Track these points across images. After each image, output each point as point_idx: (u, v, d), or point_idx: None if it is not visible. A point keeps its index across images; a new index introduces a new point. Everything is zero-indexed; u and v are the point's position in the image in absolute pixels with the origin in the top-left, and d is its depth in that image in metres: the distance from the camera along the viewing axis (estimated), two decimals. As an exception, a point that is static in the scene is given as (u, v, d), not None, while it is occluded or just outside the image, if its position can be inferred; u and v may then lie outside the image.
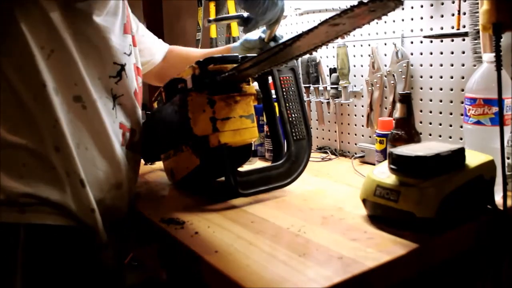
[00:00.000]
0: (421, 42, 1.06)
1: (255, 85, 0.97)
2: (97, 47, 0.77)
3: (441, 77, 1.03)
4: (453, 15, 0.98)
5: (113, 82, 0.81)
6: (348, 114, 1.28)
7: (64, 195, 0.70)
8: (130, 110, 0.87)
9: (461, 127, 0.99)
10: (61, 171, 0.70)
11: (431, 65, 1.05)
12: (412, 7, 1.07)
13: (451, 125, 1.03)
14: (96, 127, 0.76)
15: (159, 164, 1.13)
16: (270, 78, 0.96)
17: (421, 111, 1.08)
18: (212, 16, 1.65)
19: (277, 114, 0.97)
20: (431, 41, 1.04)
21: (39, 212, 0.68)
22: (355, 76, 1.24)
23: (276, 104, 0.97)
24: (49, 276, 0.69)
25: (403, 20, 1.09)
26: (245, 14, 0.99)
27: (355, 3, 0.59)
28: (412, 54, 1.09)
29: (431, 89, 1.06)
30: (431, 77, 1.05)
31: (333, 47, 1.25)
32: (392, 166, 0.71)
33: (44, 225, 0.68)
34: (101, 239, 0.76)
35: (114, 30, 0.80)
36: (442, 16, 1.01)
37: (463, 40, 0.97)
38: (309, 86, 1.31)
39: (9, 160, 0.68)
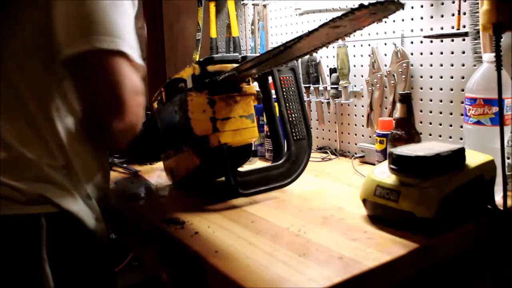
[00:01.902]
0: (421, 42, 1.06)
1: (255, 85, 0.97)
2: None
3: (441, 77, 1.03)
4: (453, 15, 0.98)
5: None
6: (348, 114, 1.28)
7: (77, 206, 0.70)
8: None
9: (461, 127, 0.99)
10: (68, 186, 0.70)
11: (431, 65, 1.05)
12: (412, 7, 1.07)
13: (451, 125, 1.03)
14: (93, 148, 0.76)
15: (159, 164, 1.13)
16: (270, 78, 0.96)
17: (421, 111, 1.08)
18: (212, 16, 1.65)
19: (277, 114, 0.97)
20: (431, 41, 1.04)
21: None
22: (355, 76, 1.24)
23: (276, 104, 0.97)
24: (70, 266, 0.70)
25: (403, 20, 1.09)
26: None
27: (356, 4, 0.59)
28: (412, 54, 1.09)
29: (431, 89, 1.06)
30: (431, 77, 1.05)
31: (333, 47, 1.25)
32: (392, 166, 0.71)
33: (63, 215, 0.69)
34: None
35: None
36: (442, 16, 1.01)
37: (463, 40, 0.97)
38: (309, 86, 1.31)
39: (23, 171, 0.67)
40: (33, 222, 0.66)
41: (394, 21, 1.11)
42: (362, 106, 1.23)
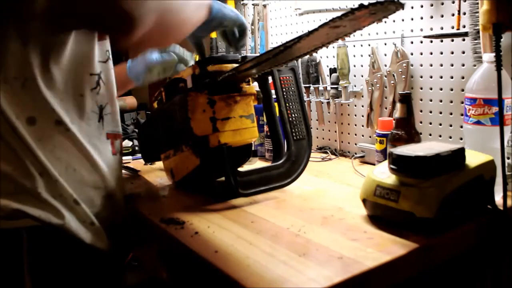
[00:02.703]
0: (421, 42, 1.06)
1: (255, 85, 0.97)
2: (72, 69, 0.74)
3: (441, 77, 1.03)
4: (453, 15, 0.98)
5: (95, 93, 0.78)
6: (348, 114, 1.28)
7: (59, 217, 0.69)
8: (116, 115, 0.84)
9: (461, 127, 0.99)
10: (47, 196, 0.68)
11: (431, 65, 1.05)
12: (412, 7, 1.07)
13: (451, 125, 1.03)
14: (82, 147, 0.74)
15: (159, 164, 1.13)
16: (270, 78, 0.96)
17: (421, 111, 1.08)
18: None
19: (277, 114, 0.97)
20: (431, 41, 1.04)
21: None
22: (355, 76, 1.24)
23: (276, 104, 0.97)
24: (53, 280, 0.69)
25: (403, 20, 1.09)
26: None
27: (356, 4, 0.59)
28: (412, 54, 1.09)
29: (431, 89, 1.06)
30: (431, 77, 1.05)
31: (333, 47, 1.25)
32: (392, 166, 0.71)
33: (45, 228, 0.68)
34: (103, 247, 0.75)
35: (89, 44, 0.77)
36: (442, 16, 1.01)
37: (463, 40, 0.97)
38: (309, 86, 1.31)
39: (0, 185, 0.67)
40: (14, 236, 0.65)
41: (394, 21, 1.11)
42: (362, 106, 1.23)
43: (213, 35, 1.67)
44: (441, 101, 1.04)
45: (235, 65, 0.88)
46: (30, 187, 0.67)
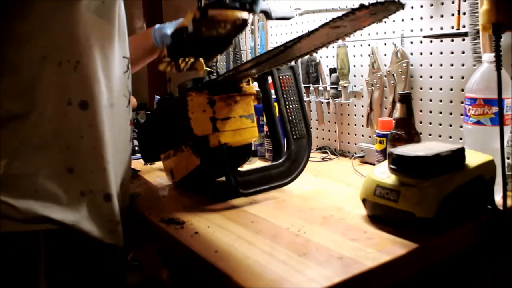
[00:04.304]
0: (421, 42, 1.06)
1: (254, 85, 0.97)
2: (117, 51, 0.73)
3: (441, 77, 1.03)
4: (453, 15, 0.98)
5: (127, 77, 0.78)
6: (348, 114, 1.28)
7: (79, 216, 0.68)
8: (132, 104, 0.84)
9: (461, 127, 0.99)
10: (74, 193, 0.67)
11: (431, 65, 1.05)
12: (412, 7, 1.07)
13: (451, 125, 1.03)
14: (122, 131, 0.74)
15: (159, 164, 1.13)
16: (269, 78, 0.96)
17: (421, 111, 1.08)
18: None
19: (277, 114, 0.97)
20: (431, 41, 1.04)
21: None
22: (355, 76, 1.24)
23: (275, 103, 0.97)
24: (68, 283, 0.68)
25: (403, 20, 1.09)
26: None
27: (356, 4, 0.59)
28: (412, 54, 1.09)
29: (431, 89, 1.06)
30: (431, 77, 1.05)
31: (333, 47, 1.25)
32: (392, 166, 0.70)
33: (62, 230, 0.67)
34: (119, 243, 0.74)
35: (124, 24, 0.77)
36: (442, 16, 1.01)
37: (463, 40, 0.97)
38: (309, 86, 1.31)
39: (20, 187, 0.65)
40: (32, 239, 0.64)
41: (394, 21, 1.11)
42: (362, 106, 1.23)
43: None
44: (441, 101, 1.04)
45: (237, 11, 0.83)
46: (54, 190, 0.65)
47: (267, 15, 0.93)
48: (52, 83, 0.65)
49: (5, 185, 0.64)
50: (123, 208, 0.76)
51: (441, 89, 1.04)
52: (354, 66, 1.23)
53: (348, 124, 1.28)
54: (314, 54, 1.27)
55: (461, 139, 1.00)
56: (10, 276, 0.64)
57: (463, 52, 0.98)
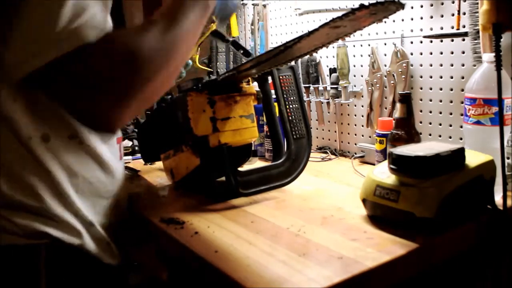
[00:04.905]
0: (421, 42, 1.06)
1: (254, 85, 0.97)
2: None
3: (441, 77, 1.03)
4: (453, 15, 0.98)
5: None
6: (348, 114, 1.28)
7: (79, 237, 0.67)
8: None
9: (461, 127, 0.99)
10: (65, 216, 0.66)
11: (431, 65, 1.05)
12: (412, 7, 1.07)
13: (451, 125, 1.03)
14: (96, 156, 0.71)
15: (159, 164, 1.13)
16: (269, 78, 0.96)
17: (421, 111, 1.08)
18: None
19: (277, 114, 0.97)
20: (431, 41, 1.04)
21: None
22: (355, 76, 1.24)
23: (275, 103, 0.97)
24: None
25: (403, 20, 1.09)
26: None
27: (356, 4, 0.59)
28: (412, 54, 1.09)
29: (431, 89, 1.06)
30: (431, 77, 1.05)
31: (333, 47, 1.25)
32: (392, 166, 0.71)
33: (63, 245, 0.66)
34: (116, 263, 0.73)
35: None
36: (442, 16, 1.01)
37: (463, 40, 0.97)
38: (309, 86, 1.31)
39: (22, 203, 0.64)
40: (33, 252, 0.63)
41: (394, 21, 1.11)
42: (362, 106, 1.23)
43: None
44: (441, 101, 1.04)
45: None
46: (48, 207, 0.64)
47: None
48: None
49: (7, 201, 0.63)
50: (112, 225, 0.76)
51: (441, 89, 1.04)
52: (354, 66, 1.23)
53: (348, 124, 1.28)
54: (314, 54, 1.27)
55: (461, 139, 1.00)
56: None
57: (463, 52, 0.98)
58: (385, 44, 1.14)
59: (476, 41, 0.90)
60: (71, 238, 0.66)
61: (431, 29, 1.04)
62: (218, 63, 1.71)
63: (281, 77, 0.94)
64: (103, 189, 0.73)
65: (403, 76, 1.09)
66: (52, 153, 0.65)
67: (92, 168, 0.70)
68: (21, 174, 0.64)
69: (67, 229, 0.66)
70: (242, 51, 1.03)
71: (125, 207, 0.82)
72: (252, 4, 1.53)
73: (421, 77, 1.07)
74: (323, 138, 1.37)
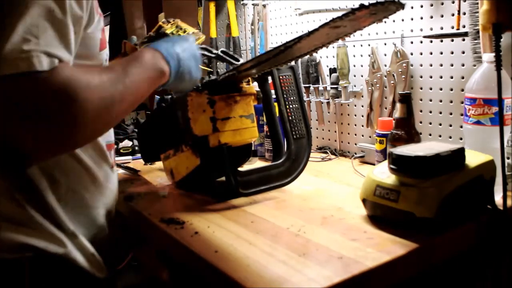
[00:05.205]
0: (421, 42, 1.06)
1: (254, 85, 0.97)
2: None
3: (441, 77, 1.03)
4: (453, 15, 0.98)
5: None
6: (348, 114, 1.28)
7: (62, 246, 0.67)
8: None
9: (461, 127, 0.99)
10: (48, 226, 0.65)
11: (431, 65, 1.05)
12: (412, 7, 1.07)
13: (451, 125, 1.03)
14: (83, 164, 0.70)
15: (159, 164, 1.13)
16: (269, 78, 0.96)
17: (421, 111, 1.08)
18: (212, 16, 1.65)
19: (277, 114, 0.97)
20: (431, 41, 1.04)
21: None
22: (355, 76, 1.24)
23: (275, 103, 0.97)
24: None
25: (403, 20, 1.09)
26: None
27: (356, 4, 0.59)
28: (412, 54, 1.09)
29: (431, 89, 1.06)
30: (431, 77, 1.05)
31: (333, 47, 1.25)
32: (392, 166, 0.70)
33: (47, 257, 0.65)
34: (102, 276, 0.73)
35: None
36: (442, 16, 1.01)
37: (463, 40, 0.97)
38: (309, 86, 1.31)
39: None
40: (17, 266, 0.63)
41: (394, 21, 1.11)
42: (362, 106, 1.23)
43: (213, 35, 1.68)
44: (441, 101, 1.04)
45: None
46: (30, 216, 0.64)
47: None
48: None
49: None
50: (100, 236, 0.75)
51: (441, 89, 1.04)
52: (354, 66, 1.23)
53: (348, 124, 1.28)
54: (314, 54, 1.27)
55: (461, 139, 1.00)
56: None
57: (463, 52, 0.98)
58: (385, 44, 1.14)
59: (476, 41, 0.90)
60: (54, 247, 0.65)
61: (431, 29, 1.04)
62: (218, 63, 1.71)
63: (281, 77, 0.94)
64: (90, 198, 0.71)
65: (403, 76, 1.09)
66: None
67: (76, 176, 0.69)
68: (2, 183, 0.62)
69: (51, 239, 0.65)
70: (229, 61, 1.01)
71: (114, 215, 0.81)
72: (252, 4, 1.53)
73: (421, 77, 1.07)
74: (323, 138, 1.37)
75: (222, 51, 1.00)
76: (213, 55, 0.97)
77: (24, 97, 0.52)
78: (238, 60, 1.01)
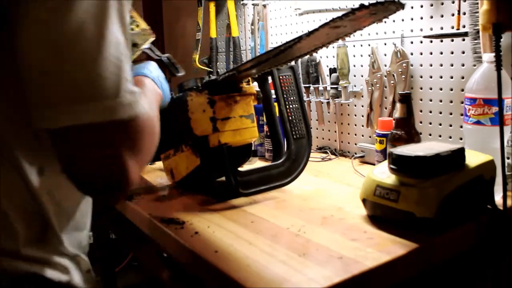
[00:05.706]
0: (421, 42, 1.06)
1: (254, 85, 0.97)
2: None
3: (441, 77, 1.03)
4: (453, 15, 0.98)
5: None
6: (348, 114, 1.28)
7: (66, 273, 0.65)
8: None
9: (461, 127, 0.99)
10: (55, 252, 0.63)
11: (431, 65, 1.05)
12: (412, 7, 1.07)
13: (451, 125, 1.03)
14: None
15: (159, 164, 1.13)
16: (269, 78, 0.96)
17: (421, 111, 1.08)
18: (212, 16, 1.65)
19: (277, 114, 0.97)
20: (431, 41, 1.04)
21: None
22: (355, 76, 1.24)
23: (275, 103, 0.97)
24: None
25: (403, 20, 1.09)
26: None
27: (356, 4, 0.59)
28: (412, 54, 1.09)
29: (431, 89, 1.06)
30: (431, 77, 1.05)
31: (333, 47, 1.25)
32: (392, 166, 0.71)
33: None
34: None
35: None
36: (442, 16, 1.01)
37: (463, 40, 0.97)
38: (309, 86, 1.31)
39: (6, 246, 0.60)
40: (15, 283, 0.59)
41: (394, 21, 1.11)
42: (362, 106, 1.23)
43: (213, 35, 1.68)
44: (441, 101, 1.04)
45: None
46: (40, 246, 0.62)
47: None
48: None
49: None
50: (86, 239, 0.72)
51: (441, 89, 1.04)
52: (354, 66, 1.23)
53: (348, 124, 1.28)
54: (314, 54, 1.27)
55: (461, 139, 1.00)
56: None
57: (463, 52, 0.98)
58: (385, 44, 1.14)
59: (476, 41, 0.90)
60: (61, 276, 0.63)
61: (431, 29, 1.04)
62: (218, 63, 1.71)
63: (281, 77, 0.94)
64: (81, 220, 0.70)
65: (403, 76, 1.09)
66: (46, 187, 0.61)
67: (77, 200, 0.68)
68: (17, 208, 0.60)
69: (55, 266, 0.63)
70: (168, 69, 0.99)
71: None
72: (252, 4, 1.53)
73: (421, 77, 1.07)
74: (323, 138, 1.37)
75: (167, 57, 0.99)
76: (155, 57, 0.98)
77: (133, 135, 0.56)
78: (178, 72, 1.01)
